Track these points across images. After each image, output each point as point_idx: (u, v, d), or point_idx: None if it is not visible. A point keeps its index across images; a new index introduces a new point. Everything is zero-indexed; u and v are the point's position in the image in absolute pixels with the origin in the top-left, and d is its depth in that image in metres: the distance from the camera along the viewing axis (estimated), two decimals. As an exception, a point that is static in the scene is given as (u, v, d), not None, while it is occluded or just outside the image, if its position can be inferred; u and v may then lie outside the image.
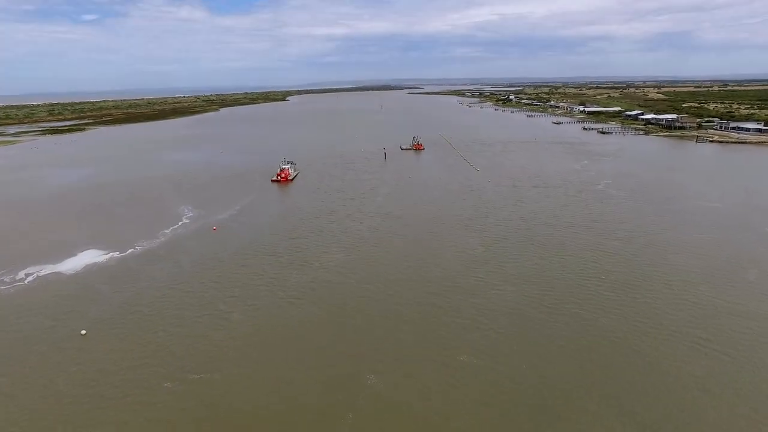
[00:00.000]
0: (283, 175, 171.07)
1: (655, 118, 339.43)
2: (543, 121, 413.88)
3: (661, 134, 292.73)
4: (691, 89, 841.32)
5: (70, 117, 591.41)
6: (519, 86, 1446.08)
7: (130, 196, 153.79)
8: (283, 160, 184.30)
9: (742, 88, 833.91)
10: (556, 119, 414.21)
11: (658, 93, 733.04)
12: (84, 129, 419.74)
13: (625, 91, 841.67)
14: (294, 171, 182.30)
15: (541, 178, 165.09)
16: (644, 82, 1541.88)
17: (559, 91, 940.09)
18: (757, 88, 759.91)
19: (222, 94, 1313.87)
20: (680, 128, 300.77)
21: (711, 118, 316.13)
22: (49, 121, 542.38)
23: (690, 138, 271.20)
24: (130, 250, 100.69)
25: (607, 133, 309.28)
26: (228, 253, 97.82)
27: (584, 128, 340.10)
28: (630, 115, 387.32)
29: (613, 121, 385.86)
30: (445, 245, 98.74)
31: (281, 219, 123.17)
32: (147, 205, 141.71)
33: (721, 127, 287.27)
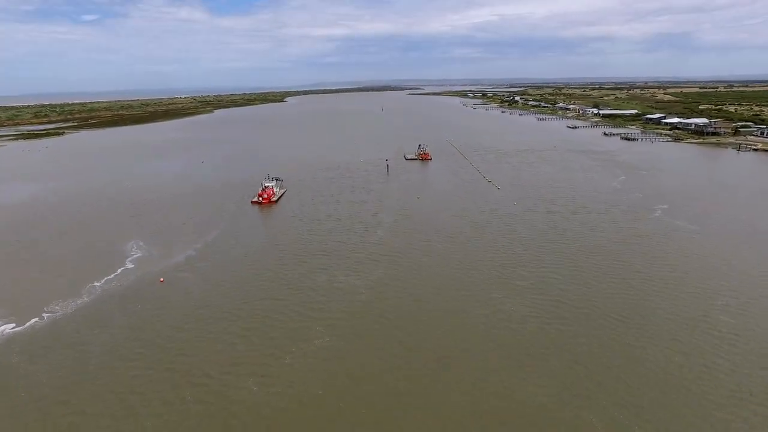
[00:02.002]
0: (265, 196, 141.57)
1: (683, 123, 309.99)
2: (556, 124, 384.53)
3: (693, 141, 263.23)
4: (697, 90, 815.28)
5: (55, 119, 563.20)
6: (520, 87, 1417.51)
7: (72, 223, 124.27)
8: (267, 176, 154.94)
9: (748, 88, 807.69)
10: (570, 123, 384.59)
11: (665, 94, 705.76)
12: (62, 133, 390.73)
13: (630, 92, 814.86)
14: (280, 189, 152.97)
15: (578, 200, 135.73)
16: (646, 82, 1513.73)
17: (563, 92, 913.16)
18: (765, 88, 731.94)
19: (220, 95, 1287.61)
20: (713, 134, 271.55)
21: (746, 123, 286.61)
22: (32, 123, 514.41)
23: (728, 145, 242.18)
24: (31, 321, 71.26)
25: (632, 139, 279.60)
26: (163, 329, 68.28)
27: (604, 134, 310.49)
28: (651, 119, 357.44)
29: (632, 125, 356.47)
30: (474, 318, 69.20)
31: (253, 264, 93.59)
32: (88, 238, 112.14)
33: (762, 133, 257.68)
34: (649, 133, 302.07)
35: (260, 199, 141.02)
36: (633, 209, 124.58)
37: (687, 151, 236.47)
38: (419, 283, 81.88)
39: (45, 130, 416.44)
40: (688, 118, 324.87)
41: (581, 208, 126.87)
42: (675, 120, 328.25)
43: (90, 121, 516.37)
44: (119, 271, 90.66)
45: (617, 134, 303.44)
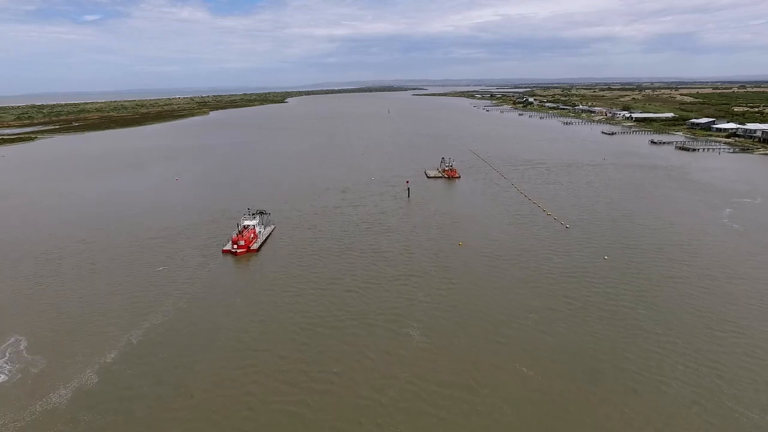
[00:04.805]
0: (242, 243, 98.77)
1: (743, 129, 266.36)
2: (587, 130, 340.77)
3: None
4: (710, 90, 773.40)
5: (38, 122, 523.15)
6: (524, 87, 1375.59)
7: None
8: (247, 211, 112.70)
9: (763, 89, 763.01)
10: (603, 128, 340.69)
11: (681, 95, 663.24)
12: (34, 138, 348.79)
13: (643, 93, 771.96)
14: (265, 228, 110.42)
15: (697, 252, 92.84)
16: (652, 83, 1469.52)
17: (572, 92, 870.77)
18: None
19: (220, 95, 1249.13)
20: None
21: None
22: (12, 126, 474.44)
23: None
24: None
25: (689, 149, 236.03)
26: None
27: (652, 142, 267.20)
28: (698, 124, 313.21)
29: (675, 130, 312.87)
30: None
31: (196, 405, 50.87)
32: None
33: None
34: (703, 141, 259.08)
35: (235, 246, 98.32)
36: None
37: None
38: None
39: (17, 134, 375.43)
40: (743, 124, 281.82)
41: (716, 269, 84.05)
42: (730, 125, 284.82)
43: (73, 124, 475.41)
44: (-60, 432, 48.23)
45: (667, 142, 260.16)
